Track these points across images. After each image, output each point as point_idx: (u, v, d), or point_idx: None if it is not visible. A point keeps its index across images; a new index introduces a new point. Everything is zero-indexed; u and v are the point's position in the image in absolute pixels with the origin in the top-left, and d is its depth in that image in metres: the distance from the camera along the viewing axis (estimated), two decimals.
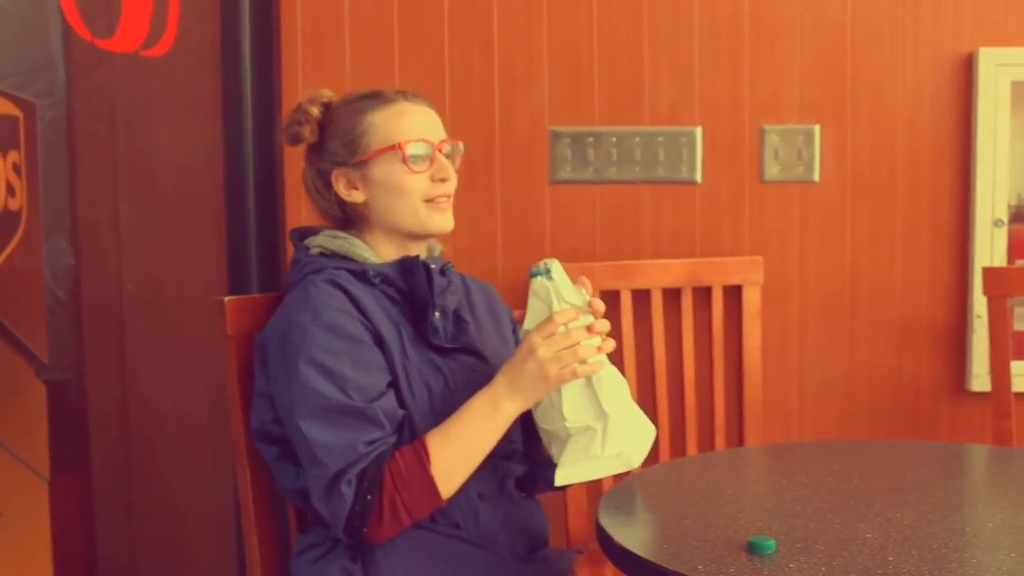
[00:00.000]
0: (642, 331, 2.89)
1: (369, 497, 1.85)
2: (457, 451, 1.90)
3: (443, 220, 2.05)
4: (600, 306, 1.93)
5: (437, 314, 2.03)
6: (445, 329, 2.05)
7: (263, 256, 2.98)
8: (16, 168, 2.32)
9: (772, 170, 2.96)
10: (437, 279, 2.04)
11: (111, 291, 2.96)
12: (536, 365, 1.88)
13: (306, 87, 3.01)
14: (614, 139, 2.97)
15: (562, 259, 2.92)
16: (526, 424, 2.05)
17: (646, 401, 2.88)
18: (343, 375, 1.88)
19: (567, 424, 1.90)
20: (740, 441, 2.92)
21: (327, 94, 2.11)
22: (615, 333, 2.80)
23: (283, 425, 1.95)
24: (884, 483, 2.01)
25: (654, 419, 2.88)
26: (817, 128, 2.95)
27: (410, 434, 1.93)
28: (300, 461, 1.94)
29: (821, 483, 2.01)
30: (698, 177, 2.97)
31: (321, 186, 2.08)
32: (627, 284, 2.87)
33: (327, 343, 1.90)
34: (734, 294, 2.94)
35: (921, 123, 2.94)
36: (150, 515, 3.06)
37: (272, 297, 2.12)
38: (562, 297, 1.91)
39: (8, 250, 2.30)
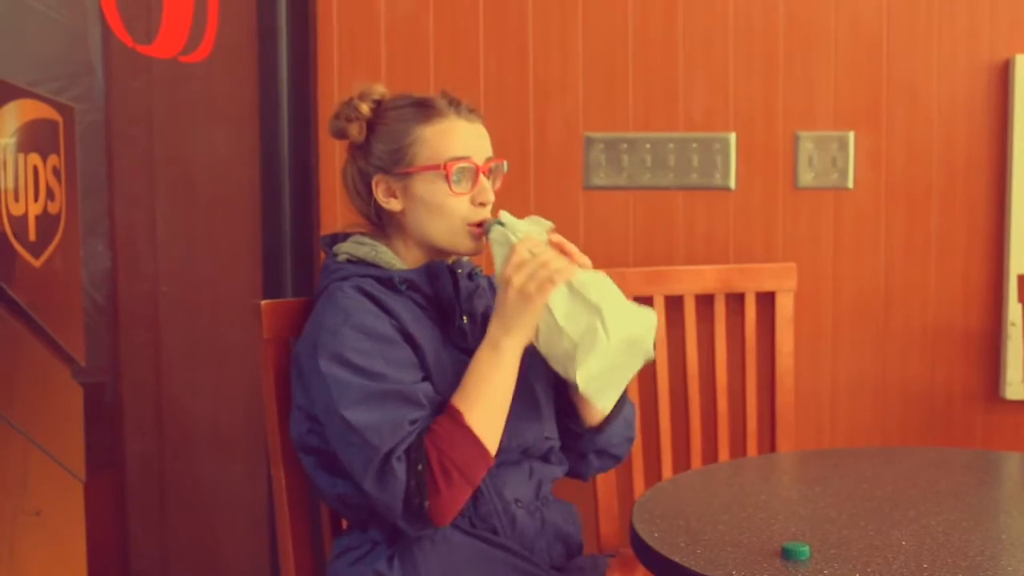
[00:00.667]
0: (675, 337, 2.89)
1: (420, 467, 1.85)
2: (482, 403, 1.91)
3: (477, 245, 2.06)
4: (560, 238, 1.95)
5: (465, 318, 2.04)
6: (473, 332, 2.05)
7: (298, 260, 3.00)
8: (55, 172, 2.34)
9: (806, 177, 2.96)
10: (464, 283, 2.05)
11: (147, 294, 2.99)
12: (515, 293, 1.90)
13: (342, 93, 3.01)
14: (648, 145, 2.97)
15: (595, 265, 2.92)
16: (560, 410, 2.08)
17: (678, 406, 2.89)
18: (378, 371, 1.90)
19: (568, 334, 1.90)
20: (772, 447, 2.92)
21: (379, 91, 2.10)
22: None
23: (320, 436, 1.96)
24: (918, 490, 2.01)
25: (686, 424, 2.88)
26: (851, 135, 2.94)
27: None
28: (337, 470, 1.95)
29: (854, 490, 2.01)
30: (732, 183, 2.97)
31: (360, 186, 2.08)
32: (660, 290, 2.87)
33: (358, 344, 1.91)
34: (767, 300, 2.93)
35: (957, 130, 2.93)
36: (183, 517, 3.08)
37: (307, 301, 2.13)
38: (518, 232, 1.94)
39: (47, 253, 2.32)
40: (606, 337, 1.88)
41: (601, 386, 1.92)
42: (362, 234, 2.10)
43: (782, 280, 2.92)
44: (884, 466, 2.18)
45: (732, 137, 2.96)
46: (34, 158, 2.26)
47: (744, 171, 2.97)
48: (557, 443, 2.10)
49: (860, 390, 3.00)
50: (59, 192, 2.34)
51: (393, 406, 1.87)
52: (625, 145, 2.97)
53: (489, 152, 2.06)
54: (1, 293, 2.16)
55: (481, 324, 2.08)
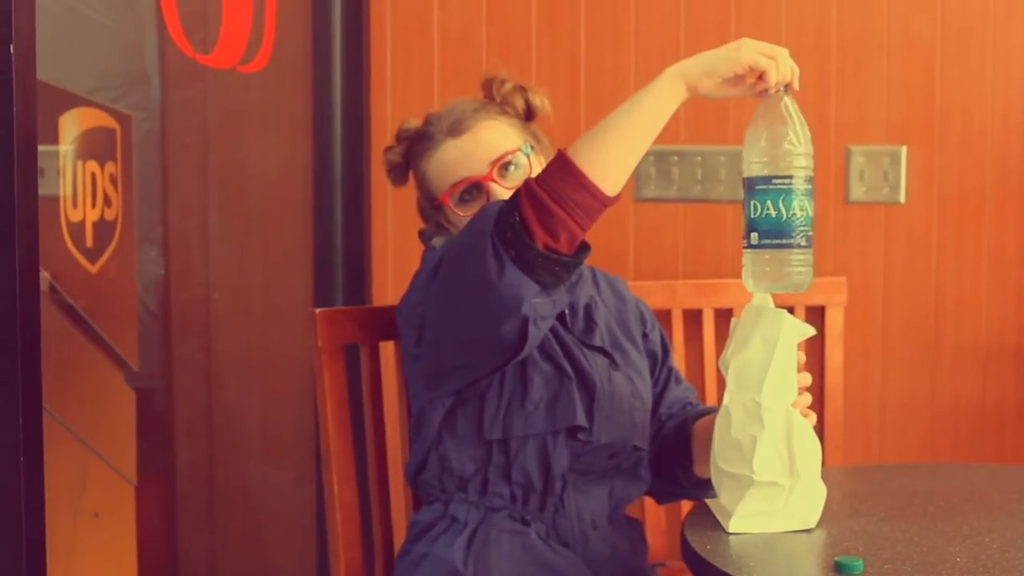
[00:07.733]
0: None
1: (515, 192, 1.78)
2: (597, 134, 1.83)
3: None
4: (802, 358, 1.89)
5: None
6: (574, 323, 2.02)
7: (349, 270, 3.02)
8: (112, 179, 2.37)
9: (857, 191, 2.95)
10: None
11: (199, 301, 3.01)
12: (733, 46, 1.85)
13: (395, 106, 3.04)
14: (699, 158, 2.97)
15: (645, 277, 2.93)
16: (664, 443, 2.07)
17: None
18: None
19: (754, 476, 1.81)
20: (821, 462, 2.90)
21: (408, 126, 2.12)
22: (697, 352, 2.81)
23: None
24: (971, 506, 2.00)
25: None
26: (904, 149, 2.93)
27: None
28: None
29: (907, 505, 2.00)
30: None
31: (429, 214, 2.14)
32: (710, 303, 2.86)
33: None
34: (817, 314, 2.92)
35: (1011, 145, 2.91)
36: (232, 523, 3.09)
37: (361, 309, 2.15)
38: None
39: (103, 259, 2.35)
40: (782, 505, 1.82)
41: (746, 527, 1.82)
42: None
43: (832, 294, 2.91)
44: (936, 482, 2.16)
45: None
46: (92, 165, 2.29)
47: None
48: (647, 454, 2.08)
49: (910, 406, 2.99)
50: (116, 199, 2.37)
51: None
52: (676, 158, 2.97)
53: (496, 150, 1.99)
54: (58, 298, 2.19)
55: (583, 316, 2.03)
